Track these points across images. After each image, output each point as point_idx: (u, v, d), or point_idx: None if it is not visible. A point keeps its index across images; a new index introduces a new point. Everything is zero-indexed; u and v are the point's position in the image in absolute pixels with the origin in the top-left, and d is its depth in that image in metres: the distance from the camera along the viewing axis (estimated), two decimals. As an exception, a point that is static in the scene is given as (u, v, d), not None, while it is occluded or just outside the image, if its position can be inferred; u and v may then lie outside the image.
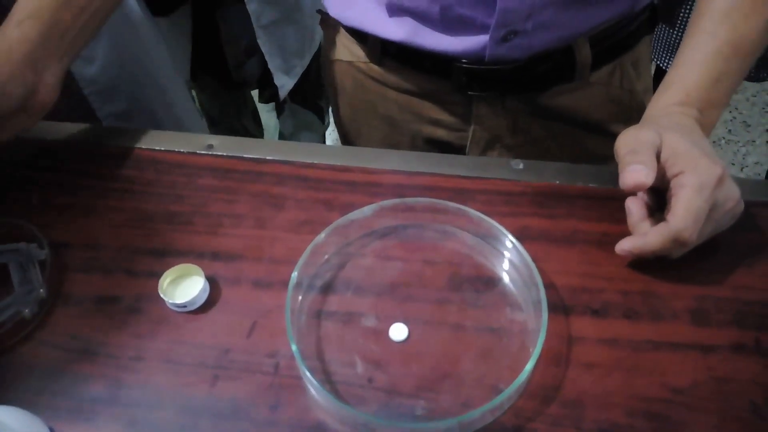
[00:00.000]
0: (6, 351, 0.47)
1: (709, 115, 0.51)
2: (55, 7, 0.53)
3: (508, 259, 0.51)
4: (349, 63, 0.73)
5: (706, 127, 0.51)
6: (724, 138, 1.98)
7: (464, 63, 0.62)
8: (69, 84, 0.76)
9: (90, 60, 0.76)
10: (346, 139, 0.85)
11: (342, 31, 0.72)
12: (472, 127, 0.70)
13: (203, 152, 0.61)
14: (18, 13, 0.52)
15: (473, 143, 0.71)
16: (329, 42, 0.76)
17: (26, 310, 0.48)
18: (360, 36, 0.69)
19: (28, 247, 0.52)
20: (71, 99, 0.77)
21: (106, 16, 0.59)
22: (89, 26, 0.57)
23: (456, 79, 0.64)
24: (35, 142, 0.63)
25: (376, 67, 0.70)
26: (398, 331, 0.47)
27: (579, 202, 0.55)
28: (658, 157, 0.47)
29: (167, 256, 0.52)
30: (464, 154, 0.72)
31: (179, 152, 0.61)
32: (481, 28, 0.59)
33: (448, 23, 0.60)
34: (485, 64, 0.62)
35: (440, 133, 0.72)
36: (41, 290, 0.49)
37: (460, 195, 0.55)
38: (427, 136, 0.73)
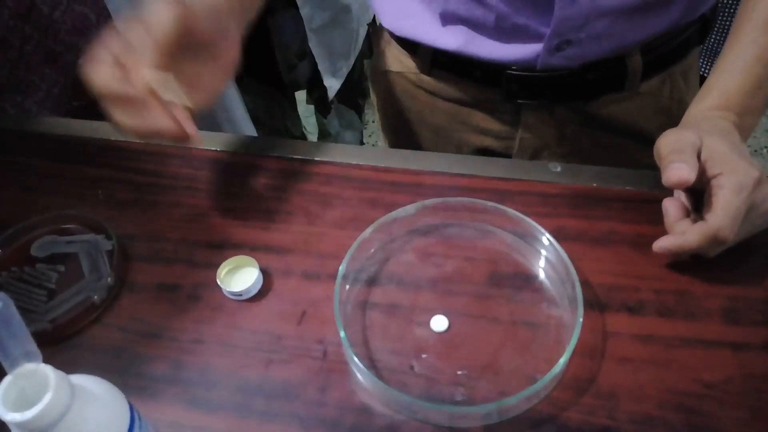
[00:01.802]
0: (77, 333, 0.51)
1: (747, 120, 0.53)
2: None
3: (545, 257, 0.53)
4: (399, 73, 0.75)
5: (744, 131, 0.52)
6: (766, 147, 1.95)
7: (514, 71, 0.63)
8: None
9: None
10: (393, 146, 0.87)
11: (393, 42, 0.74)
12: (519, 136, 0.71)
13: (256, 153, 0.65)
14: None
15: (520, 151, 0.72)
16: (379, 53, 0.78)
17: (95, 296, 0.51)
18: (411, 46, 0.70)
19: (97, 238, 0.56)
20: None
21: None
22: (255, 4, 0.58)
23: (505, 87, 0.65)
24: (102, 142, 0.67)
25: (426, 78, 0.72)
26: (439, 323, 0.49)
27: (615, 204, 0.57)
28: (698, 158, 0.48)
29: (224, 248, 0.56)
30: None
31: (235, 153, 0.65)
32: (535, 37, 0.60)
33: (503, 32, 0.61)
34: (536, 72, 0.63)
35: (488, 142, 0.74)
36: (109, 278, 0.53)
37: (499, 196, 0.58)
38: (474, 144, 0.75)
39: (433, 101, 0.73)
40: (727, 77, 0.53)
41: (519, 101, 0.67)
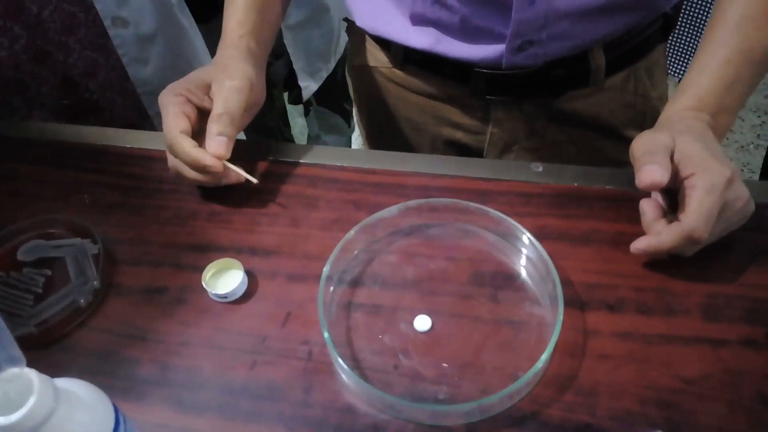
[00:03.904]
0: (64, 336, 0.51)
1: (721, 120, 0.54)
2: (261, 25, 0.64)
3: (527, 256, 0.53)
4: (373, 68, 0.77)
5: (718, 131, 0.53)
6: (753, 143, 1.96)
7: (482, 69, 0.65)
8: (124, 84, 0.81)
9: (144, 62, 0.81)
10: (369, 140, 0.88)
11: (367, 38, 0.76)
12: (490, 130, 0.73)
13: (241, 156, 0.65)
14: (237, 28, 0.63)
15: (491, 146, 0.74)
16: (354, 48, 0.80)
17: (81, 300, 0.52)
18: (384, 43, 0.73)
19: (83, 242, 0.57)
20: (126, 99, 0.82)
21: (277, 29, 0.69)
22: (273, 39, 0.68)
23: (474, 84, 0.67)
24: (88, 147, 0.68)
25: (398, 72, 0.74)
26: (422, 322, 0.50)
27: (596, 204, 0.57)
28: (671, 159, 0.49)
29: (209, 251, 0.56)
30: (482, 156, 0.75)
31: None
32: (498, 38, 0.62)
33: (468, 32, 0.63)
34: (502, 70, 0.65)
35: (459, 136, 0.76)
36: (95, 282, 0.53)
37: (482, 196, 0.58)
38: (446, 138, 0.77)
39: (405, 95, 0.75)
40: (700, 78, 0.54)
41: (487, 97, 0.68)
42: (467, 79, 0.67)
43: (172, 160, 0.58)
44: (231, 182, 0.59)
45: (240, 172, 0.58)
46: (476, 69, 0.65)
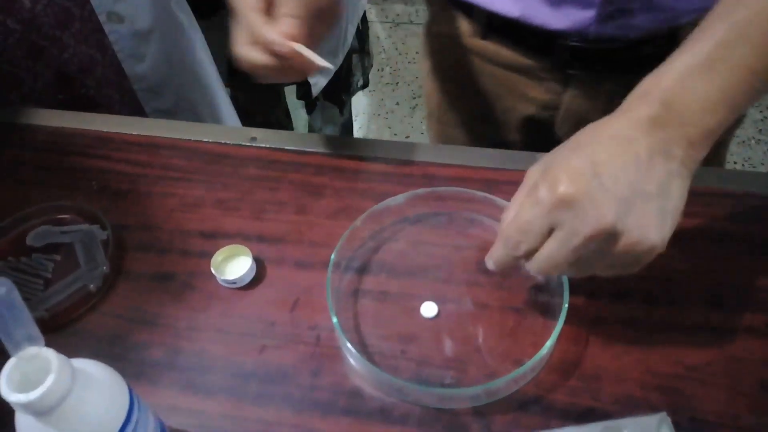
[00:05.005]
0: (74, 321, 0.52)
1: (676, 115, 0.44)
2: None
3: (532, 244, 0.54)
4: (451, 37, 0.74)
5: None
6: (754, 138, 1.97)
7: (567, 41, 0.63)
8: (120, 80, 0.81)
9: (141, 58, 0.81)
10: (434, 112, 0.86)
11: (448, 5, 0.73)
12: (564, 107, 0.71)
13: (247, 144, 0.65)
14: None
15: (563, 121, 0.72)
16: (433, 15, 0.78)
17: (91, 285, 0.52)
18: (467, 8, 0.70)
19: (92, 228, 0.57)
20: (123, 95, 0.82)
21: None
22: None
23: (558, 56, 0.65)
24: (95, 134, 0.68)
25: (478, 41, 0.71)
26: (429, 309, 0.50)
27: (600, 193, 0.58)
28: None
29: (217, 237, 0.57)
30: (553, 131, 0.74)
31: (225, 144, 0.66)
32: (588, 4, 0.60)
33: None
34: (589, 43, 0.63)
35: (532, 110, 0.74)
36: (104, 267, 0.54)
37: (487, 185, 0.59)
38: (518, 112, 0.75)
39: (482, 66, 0.73)
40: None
41: (569, 72, 0.67)
42: (550, 51, 0.65)
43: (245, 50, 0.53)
44: (296, 75, 0.55)
45: (312, 56, 0.53)
46: (560, 41, 0.64)
